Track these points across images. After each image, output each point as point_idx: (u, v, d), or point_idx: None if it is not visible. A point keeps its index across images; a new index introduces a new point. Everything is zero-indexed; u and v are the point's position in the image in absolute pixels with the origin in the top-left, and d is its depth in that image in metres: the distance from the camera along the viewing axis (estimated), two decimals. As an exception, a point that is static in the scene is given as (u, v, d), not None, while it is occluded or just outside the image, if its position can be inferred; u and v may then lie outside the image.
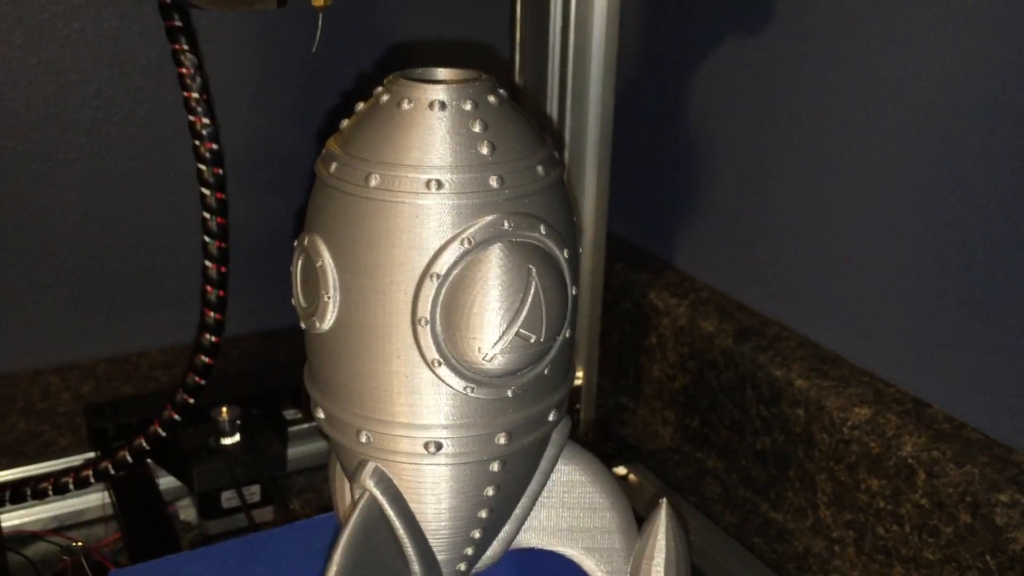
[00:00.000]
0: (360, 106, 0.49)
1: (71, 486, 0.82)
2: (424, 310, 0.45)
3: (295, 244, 0.49)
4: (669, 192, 1.02)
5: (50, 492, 0.82)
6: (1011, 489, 0.68)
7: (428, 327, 0.45)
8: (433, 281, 0.44)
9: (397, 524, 0.49)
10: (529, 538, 0.55)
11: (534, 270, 0.45)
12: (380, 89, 0.48)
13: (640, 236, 1.07)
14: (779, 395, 0.85)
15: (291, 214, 1.05)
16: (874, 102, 0.78)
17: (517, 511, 0.53)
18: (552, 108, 0.89)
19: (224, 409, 0.88)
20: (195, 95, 0.78)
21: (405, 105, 0.46)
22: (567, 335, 0.49)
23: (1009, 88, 0.68)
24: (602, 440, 0.96)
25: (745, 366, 0.88)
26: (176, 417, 0.81)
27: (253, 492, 0.88)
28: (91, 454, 0.91)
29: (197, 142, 0.78)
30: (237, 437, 0.88)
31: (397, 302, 0.45)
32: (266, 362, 1.06)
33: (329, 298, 0.46)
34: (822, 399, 0.81)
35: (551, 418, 0.50)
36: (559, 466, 0.53)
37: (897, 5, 0.74)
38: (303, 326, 0.49)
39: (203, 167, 0.78)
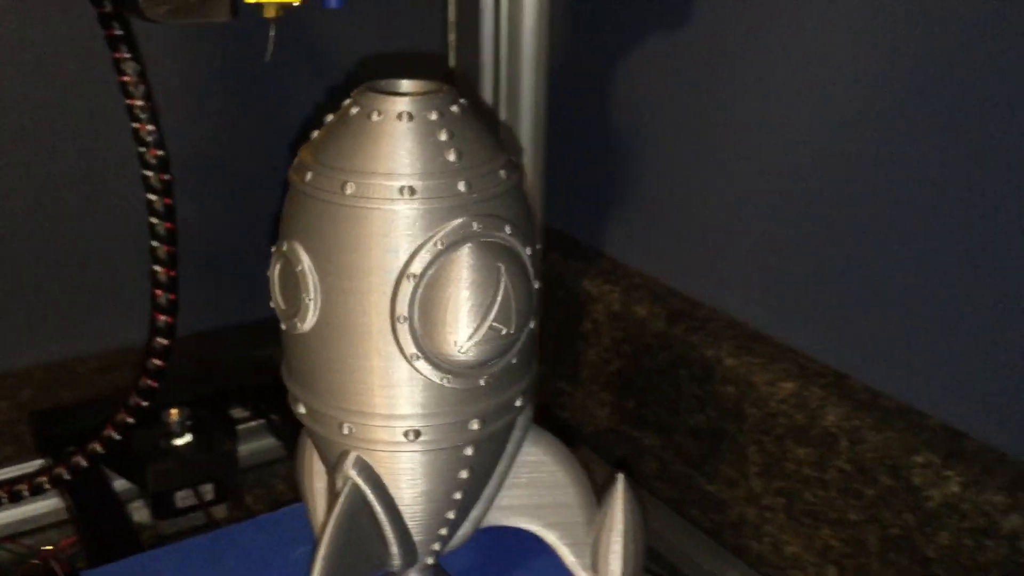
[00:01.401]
0: (330, 117, 0.51)
1: (26, 493, 0.83)
2: (402, 308, 0.48)
3: (272, 250, 0.51)
4: (600, 184, 1.06)
5: (5, 500, 0.83)
6: (926, 451, 0.74)
7: (406, 324, 0.48)
8: (410, 281, 0.47)
9: (378, 509, 0.52)
10: (497, 517, 0.58)
11: (503, 267, 0.48)
12: (349, 101, 0.51)
13: (573, 226, 1.11)
14: (711, 374, 0.90)
15: (228, 214, 1.05)
16: (787, 99, 0.83)
17: (486, 492, 0.56)
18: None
19: (174, 411, 0.90)
20: (139, 102, 0.79)
21: (375, 117, 0.49)
22: (532, 326, 0.52)
23: (912, 85, 0.73)
24: (541, 424, 1.00)
25: (678, 348, 0.93)
26: (129, 420, 0.83)
27: (207, 490, 0.90)
28: (37, 461, 0.91)
29: (143, 149, 0.80)
30: (188, 437, 0.90)
31: (376, 302, 0.48)
32: (209, 363, 1.07)
33: (310, 300, 0.49)
34: (750, 376, 0.86)
35: (518, 404, 0.54)
36: (524, 448, 0.57)
37: (811, 8, 0.80)
38: (283, 327, 0.52)
39: (149, 173, 0.80)
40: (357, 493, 0.51)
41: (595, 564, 0.58)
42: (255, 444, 0.98)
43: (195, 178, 1.01)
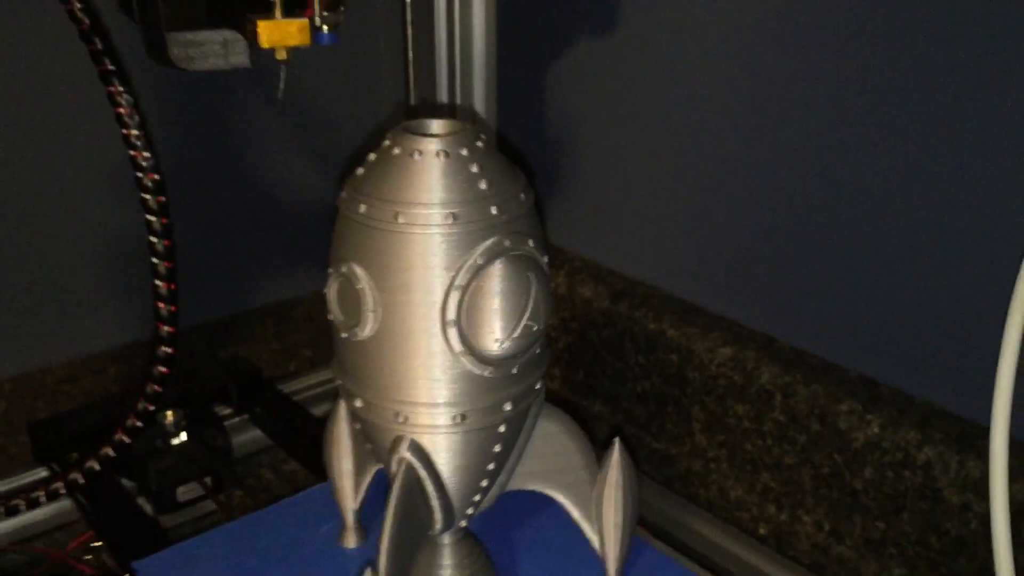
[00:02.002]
0: (372, 156, 0.60)
1: (43, 499, 0.89)
2: (451, 315, 0.57)
3: (330, 271, 0.60)
4: (539, 176, 1.16)
5: (23, 508, 0.89)
6: (849, 400, 0.87)
7: (455, 327, 0.58)
8: (457, 292, 0.57)
9: (428, 483, 0.61)
10: (517, 482, 0.69)
11: (531, 275, 0.58)
12: (388, 143, 0.60)
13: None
14: (654, 344, 1.01)
15: (189, 219, 1.10)
16: (711, 93, 0.94)
17: (510, 462, 0.66)
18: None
19: (169, 412, 0.97)
20: (134, 131, 0.85)
21: (416, 156, 0.58)
22: (550, 320, 0.63)
23: (820, 78, 0.86)
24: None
25: (622, 323, 1.04)
26: (138, 424, 0.89)
27: (206, 483, 0.97)
28: (31, 470, 0.97)
29: (140, 174, 0.86)
30: (183, 436, 0.97)
31: (429, 311, 0.57)
32: (189, 363, 1.13)
33: (371, 312, 0.58)
34: (691, 344, 0.98)
35: (538, 386, 0.64)
36: (539, 422, 0.68)
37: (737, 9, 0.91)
38: (343, 335, 0.60)
39: (147, 196, 0.86)
40: (412, 471, 0.60)
41: (598, 515, 0.69)
42: (242, 437, 1.06)
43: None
